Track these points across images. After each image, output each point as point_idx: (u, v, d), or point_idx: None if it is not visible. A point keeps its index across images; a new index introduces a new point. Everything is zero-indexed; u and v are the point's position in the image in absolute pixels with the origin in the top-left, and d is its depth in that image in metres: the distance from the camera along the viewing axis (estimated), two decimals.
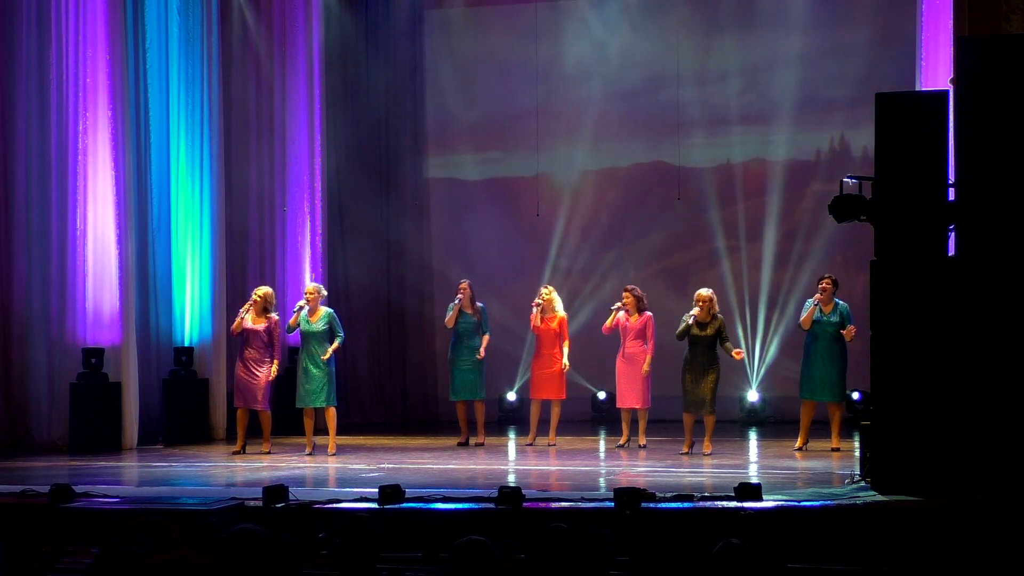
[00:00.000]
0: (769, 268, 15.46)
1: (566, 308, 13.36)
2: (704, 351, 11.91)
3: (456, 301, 12.92)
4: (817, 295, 12.05)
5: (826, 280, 12.10)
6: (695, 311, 11.90)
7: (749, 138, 15.84)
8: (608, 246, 16.03)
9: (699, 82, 15.88)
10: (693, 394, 11.93)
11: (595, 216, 16.10)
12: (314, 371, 12.25)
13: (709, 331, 11.89)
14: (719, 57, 15.90)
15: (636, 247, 15.94)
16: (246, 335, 12.39)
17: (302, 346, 12.40)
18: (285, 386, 13.28)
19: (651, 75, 16.03)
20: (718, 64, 15.90)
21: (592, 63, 16.18)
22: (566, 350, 12.90)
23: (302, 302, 12.41)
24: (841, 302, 12.07)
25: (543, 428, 13.04)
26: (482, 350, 12.87)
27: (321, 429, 12.68)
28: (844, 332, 11.81)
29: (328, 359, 12.23)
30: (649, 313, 12.54)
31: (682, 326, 11.97)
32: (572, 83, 16.27)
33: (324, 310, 12.35)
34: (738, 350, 12.28)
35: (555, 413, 12.98)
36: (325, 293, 12.61)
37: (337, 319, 12.37)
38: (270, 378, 12.39)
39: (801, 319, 12.11)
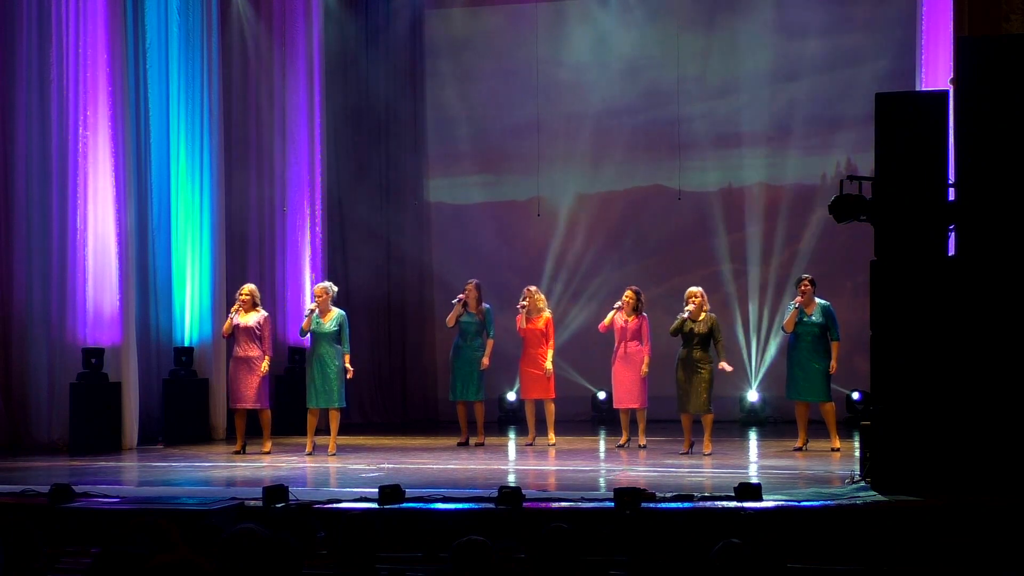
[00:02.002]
0: (772, 294, 15.31)
1: (568, 322, 13.32)
2: (697, 348, 11.89)
3: (456, 300, 12.90)
4: (798, 298, 12.05)
5: (804, 282, 12.09)
6: (689, 308, 11.90)
7: (750, 160, 15.70)
8: (613, 267, 15.85)
9: (700, 99, 15.79)
10: (687, 392, 11.91)
11: (594, 239, 16.02)
12: (326, 371, 12.19)
13: (702, 328, 11.89)
14: (720, 71, 15.81)
15: (636, 269, 15.55)
16: (238, 333, 12.33)
17: (312, 346, 12.34)
18: (284, 386, 13.25)
19: (652, 89, 15.93)
20: (719, 79, 15.80)
21: (593, 70, 16.13)
22: (550, 353, 12.90)
23: (313, 305, 12.35)
24: (822, 301, 12.05)
25: (542, 428, 13.05)
26: (486, 359, 12.84)
27: (323, 429, 12.67)
28: (831, 353, 11.84)
29: (337, 360, 12.19)
30: (645, 315, 12.55)
31: (676, 322, 11.97)
32: (572, 91, 16.21)
33: (336, 312, 12.28)
34: (724, 364, 12.14)
35: (549, 412, 12.97)
36: (335, 290, 12.54)
37: (347, 327, 12.31)
38: (262, 374, 12.33)
39: (784, 322, 12.15)
